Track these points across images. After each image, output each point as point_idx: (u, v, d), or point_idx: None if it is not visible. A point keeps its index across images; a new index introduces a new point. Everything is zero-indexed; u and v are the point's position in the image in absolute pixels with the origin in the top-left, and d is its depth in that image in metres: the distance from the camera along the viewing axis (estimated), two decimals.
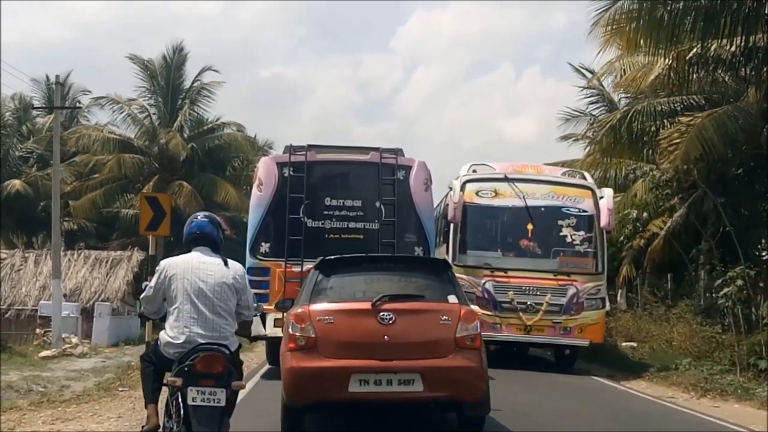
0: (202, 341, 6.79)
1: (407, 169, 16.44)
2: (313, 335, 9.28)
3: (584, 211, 19.07)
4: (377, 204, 16.22)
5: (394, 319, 9.24)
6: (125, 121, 38.50)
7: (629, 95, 27.66)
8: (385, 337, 9.19)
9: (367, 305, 9.37)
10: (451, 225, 19.00)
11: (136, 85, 39.22)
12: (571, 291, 18.26)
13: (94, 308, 29.48)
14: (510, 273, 18.46)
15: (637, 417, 13.04)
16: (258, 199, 16.46)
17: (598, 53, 25.91)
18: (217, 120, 40.69)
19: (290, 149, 16.56)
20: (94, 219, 40.18)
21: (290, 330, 9.47)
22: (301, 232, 15.92)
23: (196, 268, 7.04)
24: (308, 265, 12.15)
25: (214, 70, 40.26)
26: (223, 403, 6.65)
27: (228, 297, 7.02)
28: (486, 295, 18.17)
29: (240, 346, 7.18)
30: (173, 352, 6.88)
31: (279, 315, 12.71)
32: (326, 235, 16.06)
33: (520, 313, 18.10)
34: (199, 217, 7.50)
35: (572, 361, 19.49)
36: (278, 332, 10.60)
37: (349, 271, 10.31)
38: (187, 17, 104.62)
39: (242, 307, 7.22)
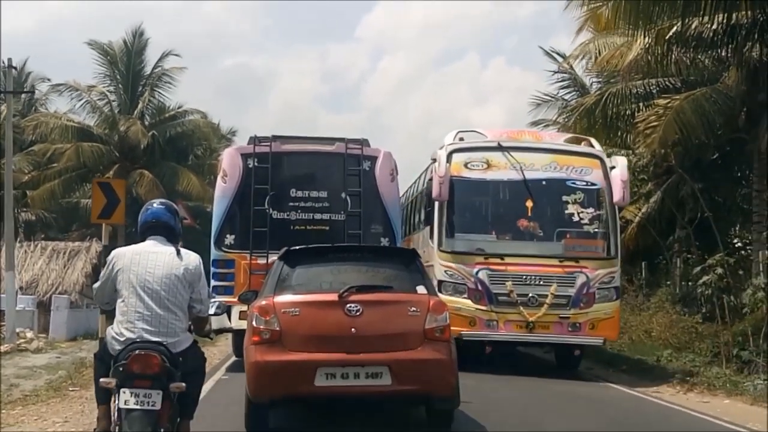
0: (149, 337, 6.44)
1: (373, 159, 16.69)
2: (277, 328, 9.21)
3: (593, 184, 16.77)
4: (343, 195, 16.43)
5: (361, 310, 9.19)
6: (84, 109, 38.16)
7: (601, 79, 27.75)
8: (353, 329, 9.15)
9: (333, 297, 9.32)
10: (436, 204, 16.63)
11: (95, 71, 38.90)
12: (581, 280, 16.00)
13: (52, 301, 29.25)
14: (507, 259, 16.10)
15: (626, 416, 12.62)
16: (222, 190, 16.60)
17: (578, 32, 26.21)
18: (179, 107, 40.42)
19: (255, 140, 16.72)
20: (53, 209, 39.92)
21: (254, 323, 9.40)
22: (267, 224, 16.07)
23: (144, 259, 6.69)
24: (273, 257, 12.15)
25: (176, 55, 40.00)
26: (158, 407, 6.26)
27: (178, 290, 6.64)
28: (480, 287, 15.90)
29: (195, 342, 6.92)
30: (118, 349, 6.49)
31: (245, 307, 12.69)
32: (292, 227, 16.22)
33: (521, 308, 15.78)
34: (154, 205, 7.12)
35: (578, 362, 17.33)
36: (244, 325, 10.59)
37: (315, 261, 10.27)
38: (153, 7, 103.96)
39: (194, 300, 6.82)
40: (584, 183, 16.76)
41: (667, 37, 19.49)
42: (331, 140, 17.10)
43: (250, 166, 16.34)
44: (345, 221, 16.30)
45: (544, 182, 16.82)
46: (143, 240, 6.95)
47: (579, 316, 15.95)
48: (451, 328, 13.82)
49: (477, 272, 15.96)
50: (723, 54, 21.06)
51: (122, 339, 6.48)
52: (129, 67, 38.55)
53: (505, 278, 15.92)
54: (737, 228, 24.75)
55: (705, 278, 19.70)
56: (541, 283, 15.93)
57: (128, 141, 37.41)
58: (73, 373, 16.02)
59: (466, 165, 16.76)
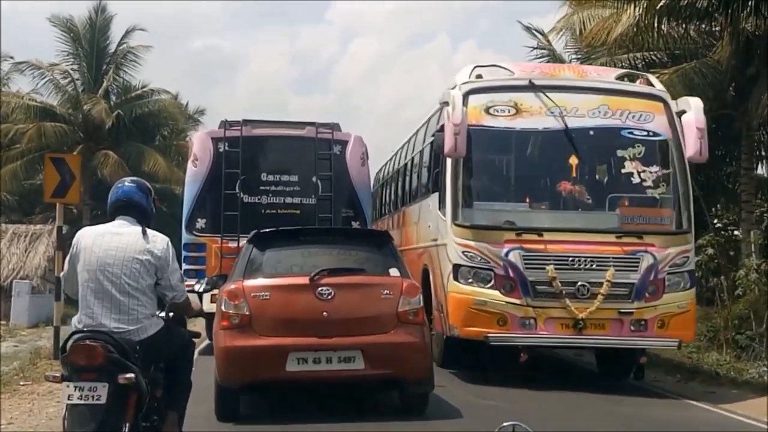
0: (109, 324, 6.21)
1: (343, 144, 17.15)
2: (247, 312, 9.35)
3: (655, 133, 13.29)
4: (314, 179, 16.81)
5: (333, 294, 9.36)
6: (47, 88, 37.89)
7: (580, 56, 27.78)
8: (324, 313, 9.31)
9: (304, 280, 9.49)
10: (448, 162, 13.08)
11: (58, 49, 38.54)
12: (646, 261, 12.51)
13: (12, 286, 29.14)
14: (547, 236, 12.57)
15: (630, 409, 11.51)
16: (193, 174, 17.01)
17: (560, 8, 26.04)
18: (143, 87, 40.15)
19: (225, 124, 17.07)
20: (15, 192, 39.68)
21: (223, 307, 9.51)
22: (237, 208, 16.39)
23: (107, 240, 6.43)
24: (245, 241, 12.37)
25: (141, 29, 39.62)
26: (103, 401, 5.89)
27: (140, 274, 6.38)
28: (511, 273, 12.32)
29: (169, 327, 6.70)
30: None
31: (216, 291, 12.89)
32: (263, 211, 16.57)
33: (567, 300, 12.17)
34: (126, 183, 6.85)
35: (641, 372, 13.24)
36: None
37: (286, 244, 10.45)
38: None
39: (164, 287, 6.58)
40: (645, 132, 13.32)
41: (658, 7, 19.23)
42: (302, 124, 17.52)
43: (221, 150, 16.69)
44: (316, 205, 16.69)
45: (591, 132, 13.38)
46: (112, 220, 6.71)
47: (645, 311, 12.48)
48: (474, 328, 12.36)
49: (507, 253, 12.39)
50: (714, 26, 21.14)
51: (79, 326, 6.30)
52: (93, 45, 38.23)
53: (544, 261, 12.39)
54: (718, 207, 24.93)
55: (696, 258, 19.76)
56: (594, 266, 12.42)
57: (92, 121, 37.13)
58: (27, 365, 15.32)
59: (487, 110, 13.19)
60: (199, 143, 17.14)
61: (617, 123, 13.26)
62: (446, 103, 12.99)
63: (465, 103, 12.86)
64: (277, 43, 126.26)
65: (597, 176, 13.70)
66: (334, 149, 16.96)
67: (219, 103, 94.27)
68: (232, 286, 9.62)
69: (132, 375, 6.01)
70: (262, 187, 16.72)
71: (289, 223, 14.12)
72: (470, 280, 12.49)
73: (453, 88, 13.20)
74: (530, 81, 13.33)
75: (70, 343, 6.15)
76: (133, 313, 6.33)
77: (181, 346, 6.97)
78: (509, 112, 13.17)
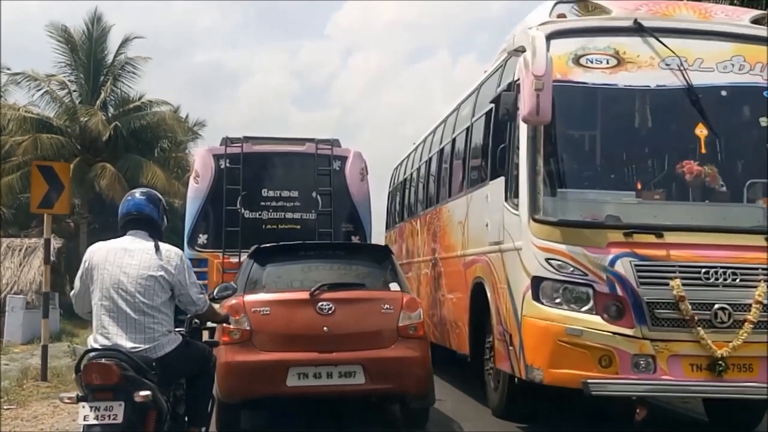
0: (123, 344, 6.22)
1: (343, 159, 17.63)
2: (248, 328, 9.48)
3: None
4: (314, 194, 17.24)
5: (333, 308, 9.52)
6: (43, 99, 38.05)
7: None
8: (325, 328, 9.46)
9: (305, 295, 9.64)
10: (522, 133, 9.59)
11: (55, 60, 38.82)
12: None
13: (6, 302, 29.08)
14: (669, 237, 9.00)
15: None
16: (195, 191, 17.50)
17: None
18: (139, 98, 40.30)
19: (226, 141, 17.54)
20: (12, 205, 39.77)
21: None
22: (239, 223, 16.85)
23: (120, 257, 6.42)
24: (245, 256, 12.65)
25: (138, 37, 39.97)
26: (120, 420, 5.90)
27: (155, 292, 6.40)
28: (619, 290, 8.84)
29: (188, 342, 6.78)
30: None
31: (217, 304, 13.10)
32: (263, 226, 16.98)
33: (701, 330, 8.68)
34: (136, 195, 6.80)
35: None
36: None
37: (286, 259, 10.62)
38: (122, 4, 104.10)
39: (184, 303, 6.70)
40: None
41: None
42: (302, 140, 17.99)
43: (222, 166, 17.14)
44: (316, 220, 17.09)
45: (724, 92, 9.71)
46: (123, 235, 6.69)
47: None
48: (566, 370, 8.95)
49: (612, 262, 8.89)
50: None
51: (95, 346, 6.29)
52: (90, 55, 38.53)
53: (667, 273, 8.87)
54: None
55: None
56: (737, 281, 8.88)
57: (89, 133, 37.32)
58: (13, 386, 14.34)
59: (578, 60, 9.53)
60: (200, 160, 17.68)
61: (758, 81, 9.62)
62: (519, 51, 9.73)
63: (547, 49, 9.14)
64: (278, 57, 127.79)
65: (734, 154, 10.05)
66: (333, 165, 17.42)
67: (220, 117, 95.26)
68: (233, 301, 9.71)
69: (149, 392, 6.03)
70: (262, 203, 17.19)
71: (290, 238, 14.37)
72: (558, 301, 9.05)
73: (530, 29, 9.55)
74: (636, 21, 9.64)
75: (83, 362, 6.19)
76: (149, 332, 6.35)
77: (201, 361, 7.06)
78: (608, 62, 9.56)
